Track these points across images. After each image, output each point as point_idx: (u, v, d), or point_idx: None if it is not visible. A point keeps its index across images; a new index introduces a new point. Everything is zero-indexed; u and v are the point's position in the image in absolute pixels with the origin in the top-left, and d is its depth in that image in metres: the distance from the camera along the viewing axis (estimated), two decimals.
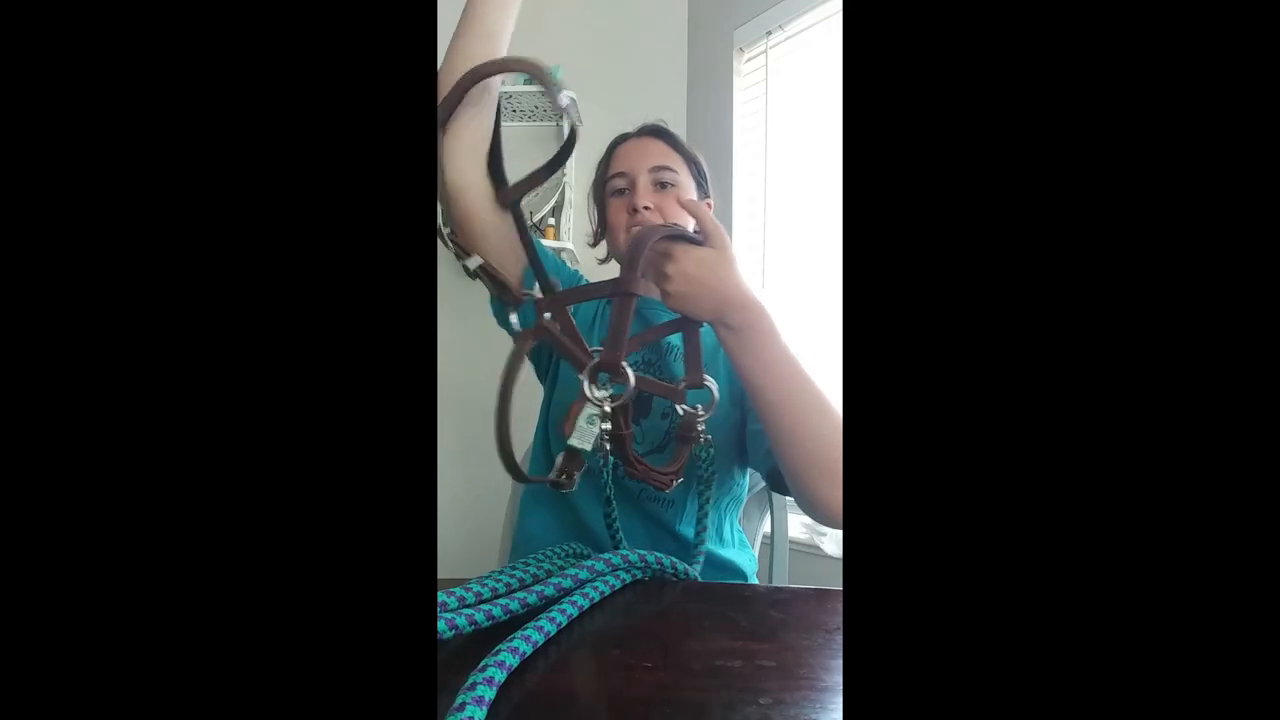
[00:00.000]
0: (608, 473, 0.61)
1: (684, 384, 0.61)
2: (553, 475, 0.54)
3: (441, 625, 0.37)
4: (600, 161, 0.85)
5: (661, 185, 0.77)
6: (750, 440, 0.72)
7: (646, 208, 0.75)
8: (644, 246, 0.53)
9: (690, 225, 0.66)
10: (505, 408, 0.52)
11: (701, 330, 0.60)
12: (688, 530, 0.72)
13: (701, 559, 0.63)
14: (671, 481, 0.58)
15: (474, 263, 0.56)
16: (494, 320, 0.72)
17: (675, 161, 0.79)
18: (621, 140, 0.84)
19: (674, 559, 0.54)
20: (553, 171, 0.57)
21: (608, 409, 0.51)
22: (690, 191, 0.80)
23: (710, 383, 0.60)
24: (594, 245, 0.89)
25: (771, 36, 1.66)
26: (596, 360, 0.51)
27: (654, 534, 0.73)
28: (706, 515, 0.64)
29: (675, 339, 0.72)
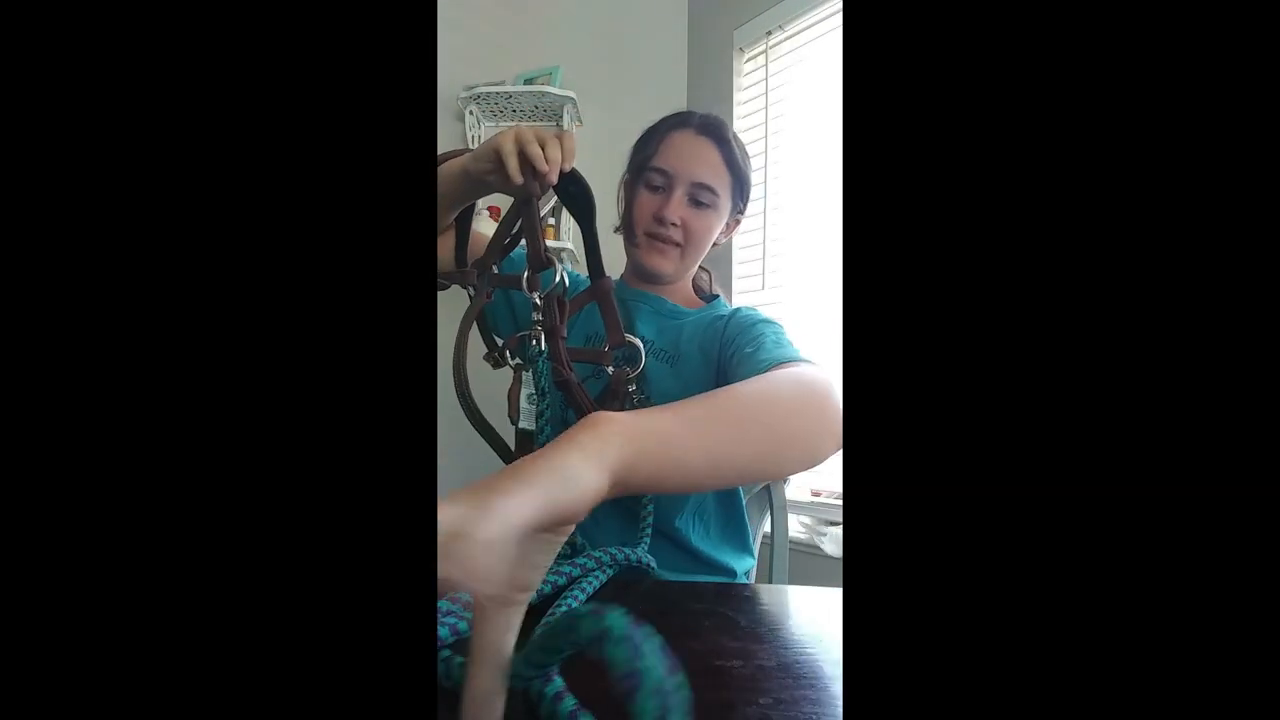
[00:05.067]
0: (541, 362, 0.59)
1: (607, 346, 0.60)
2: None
3: (443, 630, 0.37)
4: (644, 137, 0.79)
5: (697, 203, 0.74)
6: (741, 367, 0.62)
7: (674, 224, 0.74)
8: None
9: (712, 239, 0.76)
10: (461, 352, 0.57)
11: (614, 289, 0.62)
12: (684, 526, 0.71)
13: (648, 536, 0.63)
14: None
15: None
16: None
17: (721, 180, 0.75)
18: (677, 126, 0.76)
19: (632, 550, 0.56)
20: (511, 248, 0.67)
21: (538, 300, 0.56)
22: (724, 215, 0.77)
23: (635, 341, 0.60)
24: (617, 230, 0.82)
25: (771, 36, 1.66)
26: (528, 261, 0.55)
27: (626, 529, 0.69)
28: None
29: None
